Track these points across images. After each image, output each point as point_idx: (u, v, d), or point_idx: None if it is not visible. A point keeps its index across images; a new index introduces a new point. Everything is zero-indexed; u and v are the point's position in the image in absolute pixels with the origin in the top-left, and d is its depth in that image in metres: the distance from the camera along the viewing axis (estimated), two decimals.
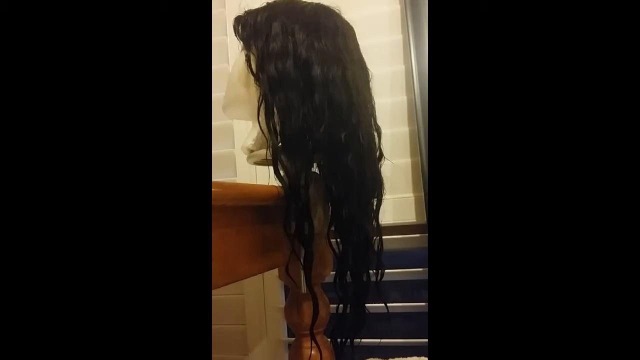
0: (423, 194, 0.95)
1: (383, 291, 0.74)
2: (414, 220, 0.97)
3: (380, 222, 0.74)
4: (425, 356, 0.81)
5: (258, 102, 0.65)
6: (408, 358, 0.87)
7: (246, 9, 0.73)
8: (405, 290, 1.03)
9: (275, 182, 0.63)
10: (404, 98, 1.00)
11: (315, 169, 0.67)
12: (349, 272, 0.68)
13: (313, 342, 0.70)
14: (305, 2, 0.73)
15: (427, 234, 0.96)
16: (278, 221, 0.63)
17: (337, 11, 0.73)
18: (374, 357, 0.93)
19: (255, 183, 1.03)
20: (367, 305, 0.73)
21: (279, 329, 1.08)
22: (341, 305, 0.68)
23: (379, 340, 0.95)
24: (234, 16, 0.73)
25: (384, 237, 0.74)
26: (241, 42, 0.72)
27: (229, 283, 0.53)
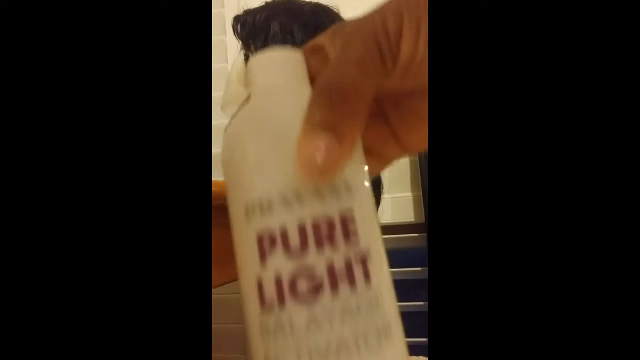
0: (421, 193, 0.95)
1: None
2: (413, 220, 0.97)
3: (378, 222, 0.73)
4: (424, 355, 0.81)
5: None
6: None
7: (245, 9, 0.73)
8: (403, 289, 1.04)
9: None
10: None
11: None
12: None
13: None
14: (304, 1, 0.73)
15: (425, 233, 0.96)
16: None
17: (336, 11, 0.73)
18: None
19: None
20: None
21: None
22: None
23: None
24: (233, 15, 0.73)
25: (382, 236, 0.74)
26: (240, 42, 0.72)
27: (229, 282, 0.53)
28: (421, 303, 0.95)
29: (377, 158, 0.29)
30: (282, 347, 0.19)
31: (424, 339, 0.93)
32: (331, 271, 0.20)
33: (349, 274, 0.20)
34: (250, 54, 0.70)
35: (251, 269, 0.21)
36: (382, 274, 0.22)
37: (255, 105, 0.23)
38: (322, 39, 0.26)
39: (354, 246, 0.21)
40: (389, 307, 0.22)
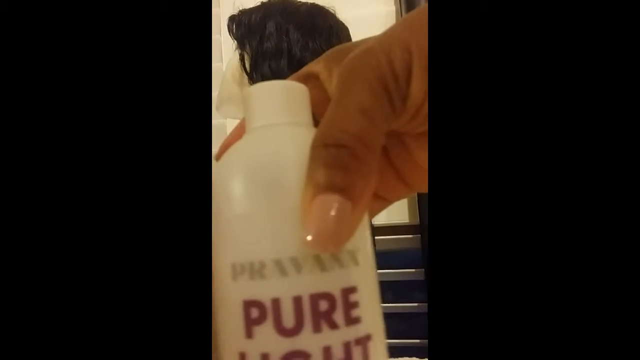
0: (416, 194, 0.95)
1: None
2: (407, 221, 0.97)
3: (373, 223, 0.74)
4: (417, 357, 0.81)
5: None
6: (399, 359, 0.87)
7: (240, 8, 0.73)
8: (398, 290, 1.04)
9: None
10: None
11: None
12: None
13: None
14: (300, 1, 0.73)
15: (419, 235, 0.96)
16: None
17: (332, 11, 0.74)
18: None
19: None
20: None
21: None
22: None
23: None
24: (229, 15, 0.73)
25: (376, 237, 0.74)
26: (235, 42, 0.72)
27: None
28: (415, 304, 0.95)
29: (380, 201, 0.26)
30: None
31: (417, 340, 0.93)
32: (327, 356, 0.17)
33: None
34: (245, 53, 0.70)
35: (234, 341, 0.18)
36: (383, 357, 0.19)
37: (250, 146, 0.21)
38: (316, 66, 0.24)
39: (355, 328, 0.18)
40: None
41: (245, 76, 0.70)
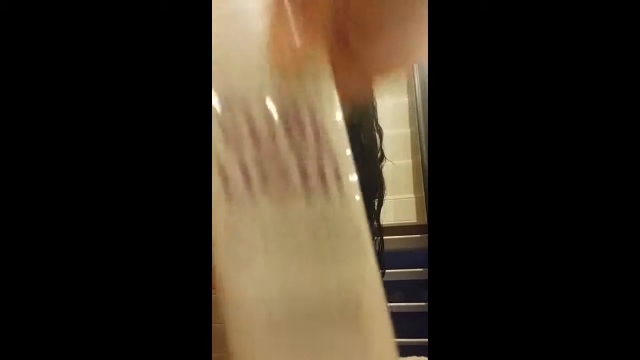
0: (424, 194, 0.95)
1: (384, 291, 0.74)
2: (415, 221, 0.97)
3: (381, 223, 0.73)
4: (425, 356, 0.81)
5: None
6: (408, 358, 0.87)
7: None
8: (406, 290, 1.04)
9: None
10: (406, 100, 1.00)
11: None
12: None
13: None
14: None
15: (427, 235, 0.96)
16: None
17: None
18: None
19: None
20: None
21: None
22: None
23: None
24: None
25: (385, 237, 0.74)
26: None
27: None
28: (424, 304, 0.95)
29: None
30: None
31: (426, 340, 0.93)
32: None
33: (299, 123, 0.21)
34: None
35: None
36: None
37: None
38: None
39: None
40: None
41: None
